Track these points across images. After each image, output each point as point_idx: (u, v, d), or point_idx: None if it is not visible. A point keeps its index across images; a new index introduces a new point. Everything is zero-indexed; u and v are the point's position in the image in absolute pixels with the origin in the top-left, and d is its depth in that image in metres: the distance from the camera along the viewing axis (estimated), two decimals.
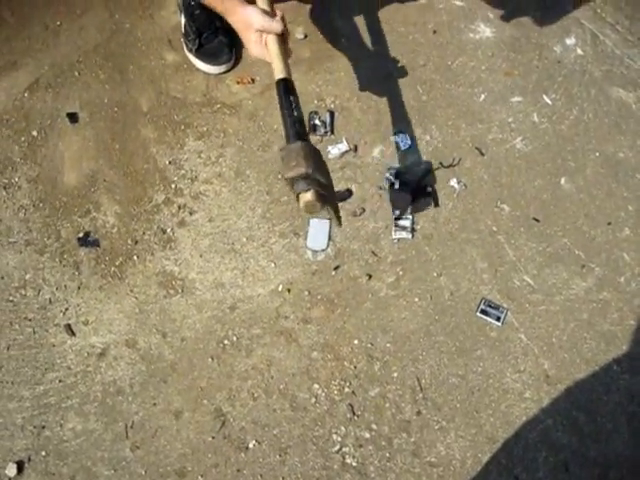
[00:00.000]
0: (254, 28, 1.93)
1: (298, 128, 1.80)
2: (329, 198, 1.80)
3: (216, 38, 2.45)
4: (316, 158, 1.75)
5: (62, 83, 2.45)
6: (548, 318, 2.18)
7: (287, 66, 1.93)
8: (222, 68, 2.48)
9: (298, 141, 1.75)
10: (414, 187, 2.29)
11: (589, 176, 2.36)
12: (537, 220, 2.29)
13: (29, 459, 2.05)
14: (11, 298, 2.20)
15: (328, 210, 1.87)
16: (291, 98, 1.86)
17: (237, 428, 2.06)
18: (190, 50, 2.48)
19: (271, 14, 1.95)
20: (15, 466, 2.03)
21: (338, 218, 1.92)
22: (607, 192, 2.34)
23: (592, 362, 2.14)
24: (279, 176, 2.33)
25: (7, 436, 2.07)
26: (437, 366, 2.13)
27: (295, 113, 1.83)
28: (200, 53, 2.47)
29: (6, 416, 2.08)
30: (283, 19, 1.96)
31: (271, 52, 1.95)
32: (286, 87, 1.88)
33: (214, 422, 2.07)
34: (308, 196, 1.70)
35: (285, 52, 1.96)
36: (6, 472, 2.03)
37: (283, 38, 1.98)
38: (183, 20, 2.45)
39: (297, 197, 1.74)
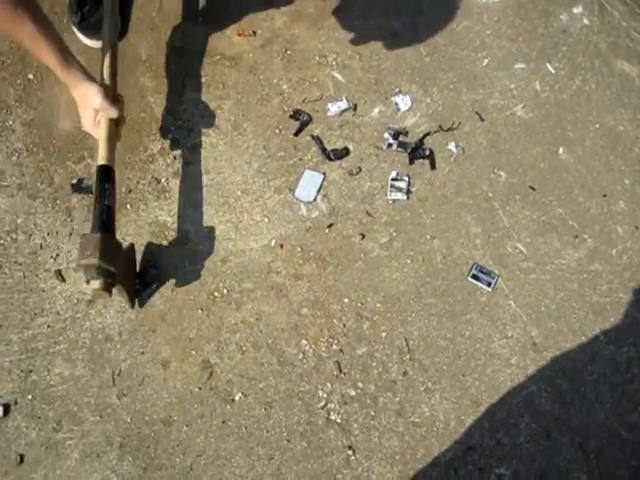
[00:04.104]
0: (91, 107, 1.96)
1: (105, 218, 1.91)
2: (124, 285, 2.00)
3: (98, 12, 2.28)
4: (113, 250, 1.88)
5: (60, 26, 2.40)
6: (538, 286, 2.19)
7: (112, 152, 2.00)
8: None
9: (99, 233, 1.86)
10: (412, 148, 2.28)
11: (588, 147, 2.35)
12: (533, 188, 2.29)
13: (15, 402, 2.06)
14: (1, 242, 2.19)
15: (121, 293, 2.04)
16: (106, 186, 1.94)
17: (224, 380, 2.07)
18: (73, 23, 2.36)
19: (111, 98, 1.99)
20: (1, 408, 2.04)
21: (131, 301, 2.11)
22: (605, 164, 2.33)
23: (579, 332, 2.15)
24: (277, 131, 2.31)
25: None
26: (426, 328, 2.13)
27: (106, 202, 1.93)
28: (83, 27, 2.35)
29: None
30: (121, 106, 2.04)
31: (101, 134, 1.99)
32: (104, 174, 1.95)
33: (201, 373, 2.08)
34: (96, 284, 1.85)
35: (114, 137, 2.02)
36: None
37: (117, 123, 2.03)
38: None
39: (88, 282, 1.88)
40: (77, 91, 1.97)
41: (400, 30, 2.45)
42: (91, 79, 1.95)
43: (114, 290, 1.94)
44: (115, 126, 2.01)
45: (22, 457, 2.01)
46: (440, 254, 2.20)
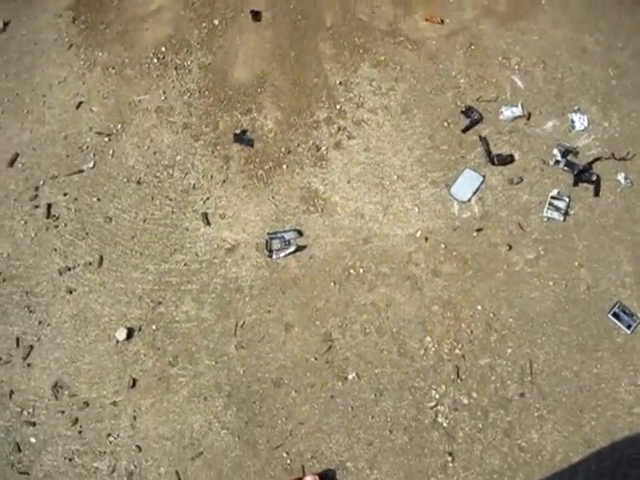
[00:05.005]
0: None
1: None
2: None
3: None
4: None
5: None
6: None
7: None
8: None
9: None
10: (579, 170, 2.19)
11: None
12: None
13: (140, 329, 2.14)
14: (158, 174, 2.27)
15: None
16: None
17: (341, 357, 2.08)
18: None
19: None
20: (125, 331, 2.13)
21: None
22: None
23: None
24: (445, 124, 2.27)
25: (124, 302, 2.16)
26: (553, 355, 2.06)
27: None
28: None
29: (128, 283, 2.17)
30: None
31: None
32: None
33: (321, 344, 2.09)
34: None
35: None
36: (116, 334, 2.13)
37: None
38: None
39: None
40: None
41: (591, 46, 2.34)
42: None
43: None
44: None
45: (135, 381, 2.09)
46: (585, 284, 2.12)
